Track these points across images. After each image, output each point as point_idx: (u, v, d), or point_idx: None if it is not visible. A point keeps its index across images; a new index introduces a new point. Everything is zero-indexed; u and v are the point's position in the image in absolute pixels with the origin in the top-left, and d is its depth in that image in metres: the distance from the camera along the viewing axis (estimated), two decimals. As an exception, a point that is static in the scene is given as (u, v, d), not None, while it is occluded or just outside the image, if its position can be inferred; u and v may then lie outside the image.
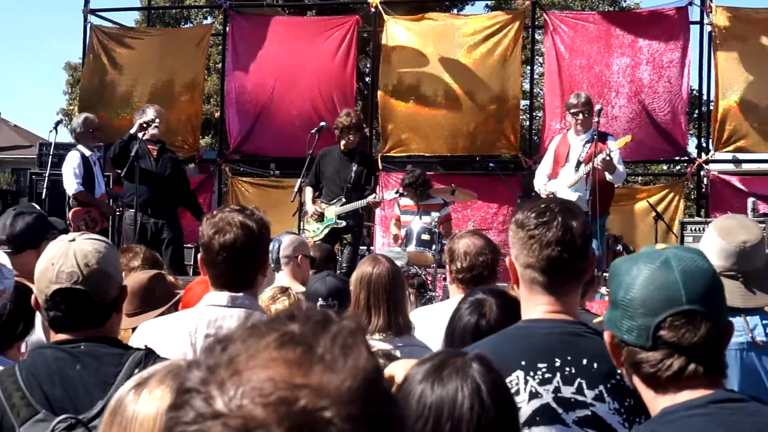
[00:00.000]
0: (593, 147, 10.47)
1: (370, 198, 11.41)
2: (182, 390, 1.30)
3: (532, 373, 3.00)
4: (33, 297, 3.43)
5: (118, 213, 12.12)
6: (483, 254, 5.11)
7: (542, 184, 11.11)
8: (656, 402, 2.44)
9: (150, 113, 11.49)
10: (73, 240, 3.43)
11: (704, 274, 2.47)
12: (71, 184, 11.65)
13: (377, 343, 4.80)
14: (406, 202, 12.11)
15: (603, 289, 6.45)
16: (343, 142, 11.58)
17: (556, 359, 3.01)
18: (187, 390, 1.30)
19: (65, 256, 3.37)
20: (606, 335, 2.54)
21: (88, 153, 11.78)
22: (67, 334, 3.38)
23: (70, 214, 11.63)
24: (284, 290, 5.70)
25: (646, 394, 2.47)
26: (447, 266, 5.28)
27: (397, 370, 2.72)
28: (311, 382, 1.27)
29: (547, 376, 3.00)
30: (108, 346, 3.39)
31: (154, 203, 11.42)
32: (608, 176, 10.60)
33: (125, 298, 3.58)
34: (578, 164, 10.67)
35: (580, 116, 10.80)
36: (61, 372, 3.27)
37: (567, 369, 3.01)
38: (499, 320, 3.66)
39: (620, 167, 10.68)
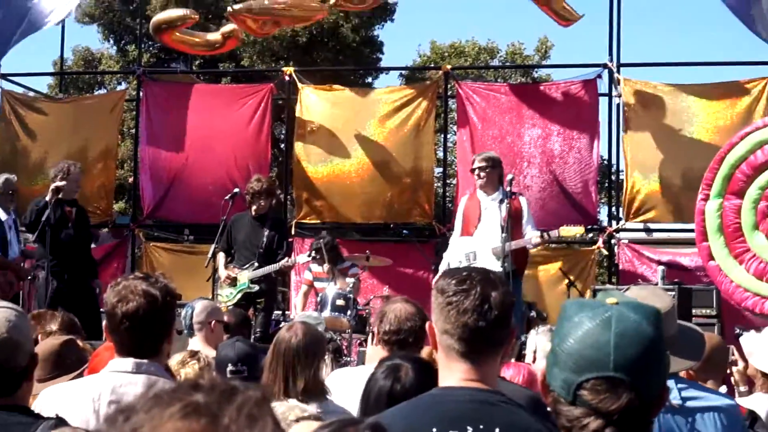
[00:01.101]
0: (508, 205, 10.60)
1: (283, 262, 11.41)
2: None
3: None
4: None
5: (29, 278, 11.93)
6: (412, 320, 5.16)
7: (451, 248, 11.22)
8: None
9: (52, 172, 11.44)
10: None
11: (642, 341, 2.39)
12: None
13: (295, 405, 4.78)
14: (317, 269, 12.13)
15: None
16: (254, 208, 11.64)
17: (468, 427, 2.97)
18: None
19: None
20: (540, 371, 2.52)
21: (4, 217, 11.62)
22: None
23: None
24: (194, 354, 5.66)
25: None
26: (375, 327, 5.30)
27: None
28: None
29: None
30: (18, 415, 3.34)
31: (70, 269, 11.27)
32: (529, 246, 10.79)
33: (35, 365, 3.53)
34: (502, 227, 10.70)
35: (483, 173, 10.93)
36: None
37: None
38: (414, 385, 3.68)
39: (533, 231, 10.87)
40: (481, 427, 2.98)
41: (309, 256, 11.75)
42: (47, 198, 11.15)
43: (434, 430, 2.98)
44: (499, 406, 3.06)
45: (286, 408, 3.68)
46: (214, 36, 15.26)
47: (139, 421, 1.28)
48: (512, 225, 10.71)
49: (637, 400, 2.35)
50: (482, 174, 10.98)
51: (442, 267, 11.16)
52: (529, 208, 11.20)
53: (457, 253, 11.15)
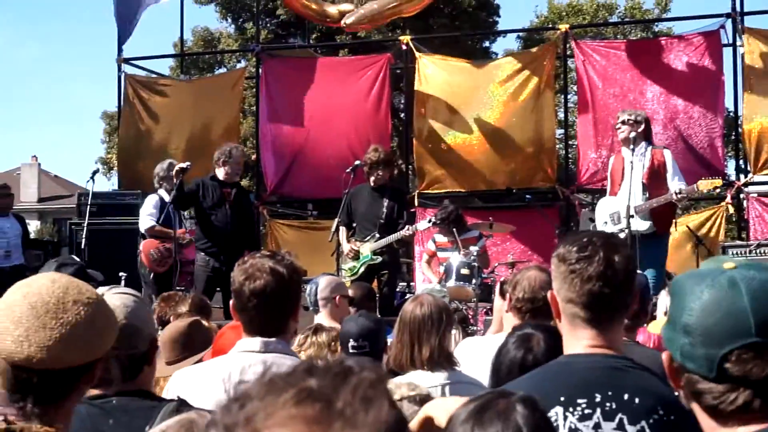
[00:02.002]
0: (651, 160, 10.44)
1: (404, 231, 11.39)
2: None
3: (571, 409, 2.96)
4: None
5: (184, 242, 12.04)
6: (546, 289, 5.11)
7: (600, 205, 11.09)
8: None
9: (216, 155, 11.59)
10: (101, 295, 3.44)
11: None
12: (144, 222, 11.78)
13: (421, 377, 4.79)
14: (441, 239, 12.11)
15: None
16: (372, 179, 11.63)
17: (597, 394, 2.96)
18: None
19: None
20: (664, 356, 2.38)
21: (167, 198, 11.84)
22: (100, 389, 3.39)
23: (142, 245, 11.71)
24: (316, 330, 5.67)
25: (706, 422, 2.33)
26: (508, 294, 5.26)
27: (436, 411, 2.70)
28: None
29: (587, 411, 2.95)
30: (140, 400, 3.39)
31: (225, 251, 11.39)
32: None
33: (156, 350, 3.58)
34: (643, 186, 10.56)
35: (624, 126, 10.67)
36: (95, 428, 3.28)
37: (607, 404, 2.95)
38: (546, 355, 3.65)
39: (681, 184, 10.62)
40: (610, 393, 2.96)
41: (429, 222, 11.70)
42: (176, 181, 11.29)
43: (562, 398, 2.97)
44: (626, 371, 3.04)
45: (393, 386, 3.67)
46: (332, 10, 15.34)
47: (253, 408, 1.28)
48: (656, 180, 10.50)
49: None
50: (623, 127, 10.71)
51: (585, 224, 10.97)
52: (674, 161, 10.88)
53: (601, 215, 10.95)
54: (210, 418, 1.33)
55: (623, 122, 10.73)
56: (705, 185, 10.50)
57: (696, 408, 2.32)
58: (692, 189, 10.42)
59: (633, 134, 10.53)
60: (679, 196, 10.33)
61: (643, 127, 10.64)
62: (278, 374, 1.33)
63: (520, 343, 3.85)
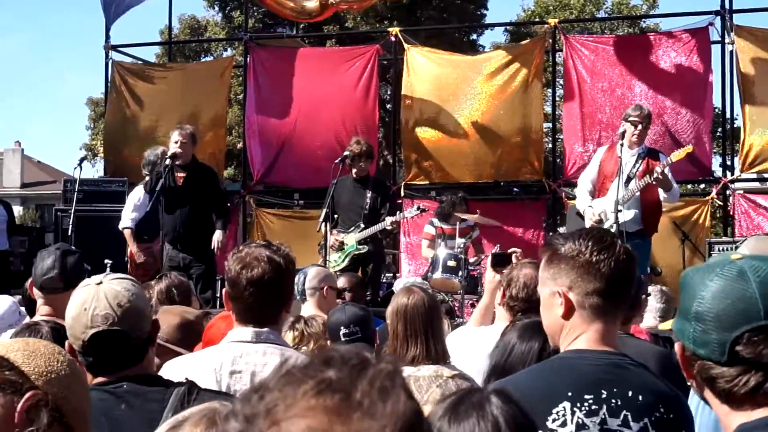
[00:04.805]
0: (646, 163, 10.37)
1: (390, 218, 11.43)
2: None
3: (579, 405, 3.02)
4: (67, 344, 3.43)
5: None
6: None
7: (586, 204, 10.82)
8: (731, 418, 2.38)
9: (173, 136, 11.38)
10: (101, 282, 3.45)
11: None
12: (123, 219, 11.70)
13: (438, 368, 4.79)
14: (438, 224, 12.22)
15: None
16: (354, 170, 11.71)
17: (603, 391, 3.03)
18: None
19: (96, 299, 3.39)
20: (677, 346, 2.47)
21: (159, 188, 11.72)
22: (108, 376, 3.39)
23: (128, 251, 11.66)
24: (297, 321, 5.64)
25: (720, 408, 2.40)
26: (502, 290, 5.26)
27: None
28: (351, 430, 1.26)
29: (594, 407, 3.02)
30: (150, 384, 3.41)
31: (181, 237, 11.32)
32: (663, 194, 10.47)
33: (158, 331, 3.60)
34: (628, 179, 10.44)
35: (640, 127, 10.54)
36: (107, 413, 3.28)
37: (613, 401, 3.03)
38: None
39: (675, 184, 10.55)
40: (615, 390, 3.04)
41: (418, 209, 11.75)
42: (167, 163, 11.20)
43: (570, 393, 3.03)
44: (628, 368, 3.12)
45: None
46: (312, 4, 15.28)
47: (273, 399, 1.30)
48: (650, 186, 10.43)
49: None
50: (639, 128, 10.56)
51: (572, 218, 10.86)
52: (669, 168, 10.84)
53: (595, 209, 10.80)
54: (230, 409, 1.33)
55: (639, 120, 10.55)
56: (677, 155, 10.46)
57: (709, 396, 2.41)
58: (666, 163, 10.37)
59: (641, 137, 10.53)
60: (654, 176, 10.22)
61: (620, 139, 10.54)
62: (296, 365, 1.35)
63: (531, 334, 3.85)
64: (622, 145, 10.27)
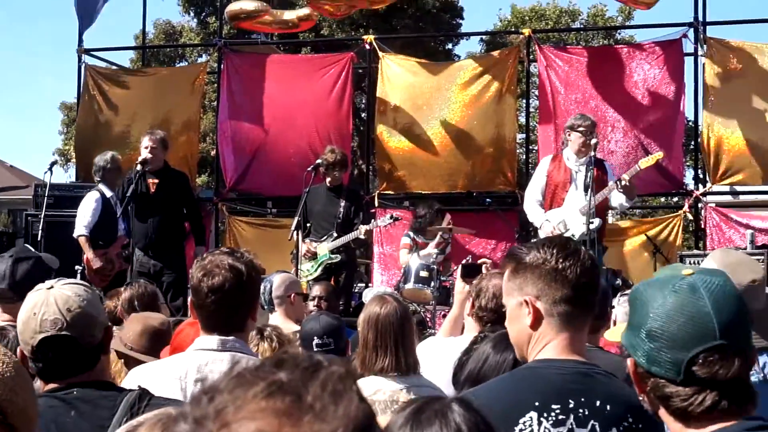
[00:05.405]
0: (597, 172, 10.42)
1: (364, 227, 11.44)
2: None
3: (545, 414, 3.00)
4: (18, 350, 3.41)
5: (125, 254, 11.94)
6: None
7: (543, 217, 10.87)
8: None
9: (143, 142, 11.48)
10: (51, 287, 3.44)
11: (733, 302, 2.38)
12: (77, 227, 11.64)
13: (383, 382, 4.78)
14: (413, 236, 12.23)
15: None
16: (328, 179, 11.73)
17: (570, 400, 3.01)
18: None
19: (46, 304, 3.38)
20: (629, 362, 2.46)
21: (109, 193, 11.72)
22: (58, 382, 3.36)
23: (85, 258, 11.59)
24: (259, 332, 5.60)
25: (674, 425, 2.40)
26: (471, 300, 5.25)
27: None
28: None
29: (560, 417, 3.00)
30: (101, 390, 3.38)
31: (153, 244, 11.33)
32: (620, 202, 10.53)
33: (111, 339, 3.57)
34: (586, 188, 10.49)
35: (588, 136, 10.64)
36: (57, 420, 3.26)
37: (580, 411, 3.01)
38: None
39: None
40: (582, 399, 3.02)
41: (391, 218, 11.76)
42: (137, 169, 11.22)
43: (537, 403, 3.00)
44: (596, 377, 3.09)
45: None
46: (291, 16, 15.27)
47: (223, 401, 1.29)
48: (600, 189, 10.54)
49: (745, 364, 2.35)
50: (588, 136, 10.66)
51: (541, 229, 10.89)
52: (612, 173, 10.98)
53: (552, 221, 10.84)
54: (179, 411, 1.32)
55: (587, 130, 10.69)
56: (646, 162, 10.56)
57: (663, 413, 2.39)
58: (634, 170, 10.45)
59: (587, 145, 10.60)
60: (622, 183, 10.31)
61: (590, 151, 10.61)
62: (247, 368, 1.34)
63: (507, 345, 3.83)
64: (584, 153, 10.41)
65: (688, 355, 2.31)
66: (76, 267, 10.93)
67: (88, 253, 11.55)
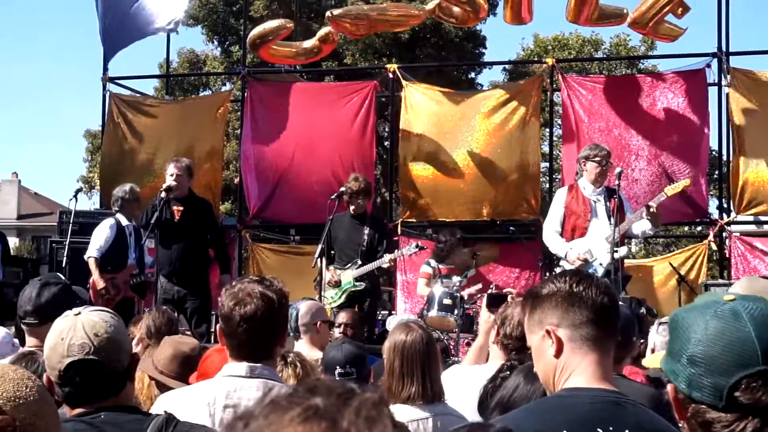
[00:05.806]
0: (614, 203, 10.41)
1: (389, 256, 11.45)
2: None
3: None
4: (45, 376, 3.42)
5: (137, 280, 11.98)
6: None
7: (566, 246, 10.88)
8: None
9: (168, 169, 11.54)
10: (79, 313, 3.46)
11: None
12: (89, 249, 11.69)
13: (409, 410, 4.76)
14: (435, 264, 12.20)
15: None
16: (352, 207, 11.72)
17: (598, 429, 2.96)
18: None
19: (74, 329, 3.39)
20: (669, 388, 2.43)
21: (125, 222, 11.81)
22: (86, 407, 3.37)
23: (91, 280, 11.62)
24: (283, 358, 5.59)
25: None
26: (496, 329, 5.23)
27: None
28: None
29: None
30: (128, 414, 3.39)
31: (176, 271, 11.36)
32: (645, 230, 10.53)
33: (136, 365, 3.58)
34: (608, 217, 10.52)
35: (605, 165, 10.69)
36: None
37: None
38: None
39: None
40: (611, 428, 2.97)
41: (416, 246, 11.75)
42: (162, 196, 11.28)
43: (564, 431, 2.96)
44: (625, 407, 3.05)
45: None
46: (311, 42, 15.28)
47: (258, 426, 1.30)
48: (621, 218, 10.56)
49: None
50: (603, 167, 10.72)
51: (566, 258, 10.88)
52: (627, 202, 11.04)
53: (578, 251, 10.81)
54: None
55: (604, 159, 10.73)
56: (672, 189, 10.56)
57: None
58: (661, 196, 10.46)
59: (605, 174, 10.65)
60: (651, 209, 10.32)
61: (615, 180, 10.64)
62: (280, 394, 1.34)
63: (537, 376, 3.81)
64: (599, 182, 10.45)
65: (731, 380, 2.29)
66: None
67: (95, 274, 11.60)
